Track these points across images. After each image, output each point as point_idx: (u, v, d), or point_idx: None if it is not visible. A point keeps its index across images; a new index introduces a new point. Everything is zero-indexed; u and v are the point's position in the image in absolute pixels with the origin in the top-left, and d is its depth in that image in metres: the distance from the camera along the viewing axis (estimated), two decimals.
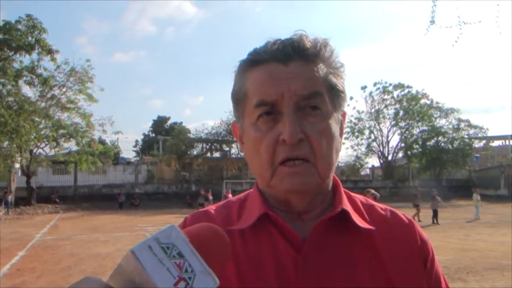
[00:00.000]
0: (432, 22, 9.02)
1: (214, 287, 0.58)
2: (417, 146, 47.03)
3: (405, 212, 1.06)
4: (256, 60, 0.92)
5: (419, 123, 46.77)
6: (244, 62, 0.95)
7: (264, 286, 0.89)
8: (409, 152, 47.06)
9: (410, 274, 0.93)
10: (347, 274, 0.89)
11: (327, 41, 0.94)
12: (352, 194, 1.05)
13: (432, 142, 46.44)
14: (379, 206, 1.04)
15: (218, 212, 1.04)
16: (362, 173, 49.49)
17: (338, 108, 0.95)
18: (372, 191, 14.55)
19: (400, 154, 49.03)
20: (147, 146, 64.30)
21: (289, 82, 0.88)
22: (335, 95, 0.93)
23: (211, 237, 0.65)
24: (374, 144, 47.74)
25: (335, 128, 0.92)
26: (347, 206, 0.95)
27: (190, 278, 0.57)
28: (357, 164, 47.78)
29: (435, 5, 8.71)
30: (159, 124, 70.94)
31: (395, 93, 46.68)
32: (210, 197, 24.54)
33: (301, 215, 0.95)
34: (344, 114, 1.00)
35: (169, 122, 70.50)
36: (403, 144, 47.56)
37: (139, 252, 0.56)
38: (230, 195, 24.34)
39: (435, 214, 19.82)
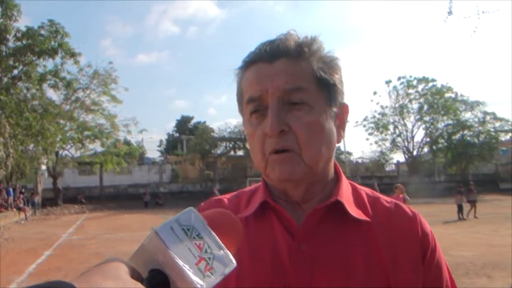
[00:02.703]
0: (450, 12, 8.88)
1: (232, 268, 0.62)
2: (442, 140, 46.35)
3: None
4: (248, 62, 1.00)
5: (444, 117, 46.09)
6: (241, 65, 1.02)
7: (260, 268, 0.95)
8: (434, 147, 46.41)
9: (406, 265, 0.95)
10: (341, 261, 0.93)
11: (315, 38, 0.98)
12: (359, 186, 1.09)
13: (457, 136, 45.60)
14: (384, 198, 1.07)
15: (229, 200, 1.13)
16: (387, 168, 48.99)
17: (331, 102, 0.99)
18: (400, 185, 13.62)
19: (426, 149, 48.41)
20: (171, 146, 64.60)
21: (273, 78, 0.94)
22: (326, 89, 0.97)
23: (225, 221, 0.69)
24: (399, 139, 47.23)
25: (325, 121, 0.96)
26: (343, 197, 0.98)
27: (210, 258, 0.60)
28: (381, 159, 47.32)
29: None
30: (183, 123, 71.32)
31: (420, 87, 46.15)
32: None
33: (301, 205, 1.00)
34: (345, 107, 1.04)
35: (193, 121, 70.73)
36: (428, 139, 46.96)
37: (162, 232, 0.59)
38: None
39: (460, 209, 19.52)
